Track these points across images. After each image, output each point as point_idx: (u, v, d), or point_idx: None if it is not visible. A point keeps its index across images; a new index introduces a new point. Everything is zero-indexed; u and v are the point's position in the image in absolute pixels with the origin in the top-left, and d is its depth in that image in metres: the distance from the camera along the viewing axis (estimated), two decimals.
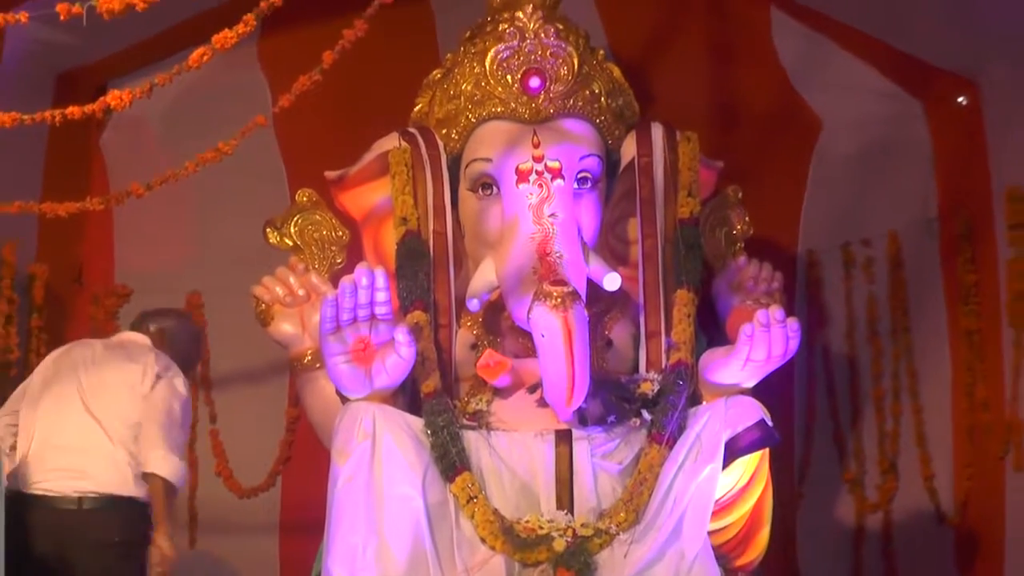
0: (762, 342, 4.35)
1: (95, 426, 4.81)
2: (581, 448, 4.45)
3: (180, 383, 5.08)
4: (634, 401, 4.62)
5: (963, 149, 6.16)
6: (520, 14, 4.93)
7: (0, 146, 5.17)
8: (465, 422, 4.55)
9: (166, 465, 4.84)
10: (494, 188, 4.78)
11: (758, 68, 6.22)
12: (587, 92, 4.95)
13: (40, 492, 4.73)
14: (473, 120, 4.89)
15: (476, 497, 4.26)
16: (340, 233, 5.02)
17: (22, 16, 4.14)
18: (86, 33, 4.31)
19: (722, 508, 4.34)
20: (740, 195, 5.25)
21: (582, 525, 4.25)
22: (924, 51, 6.20)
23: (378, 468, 4.24)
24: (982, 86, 6.07)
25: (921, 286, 6.28)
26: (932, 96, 6.32)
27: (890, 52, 6.24)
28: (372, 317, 4.32)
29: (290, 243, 4.98)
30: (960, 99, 6.17)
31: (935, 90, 6.29)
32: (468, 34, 5.10)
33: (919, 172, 6.36)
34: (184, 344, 5.36)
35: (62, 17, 3.98)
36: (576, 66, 4.92)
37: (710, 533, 4.32)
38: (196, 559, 5.54)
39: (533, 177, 4.66)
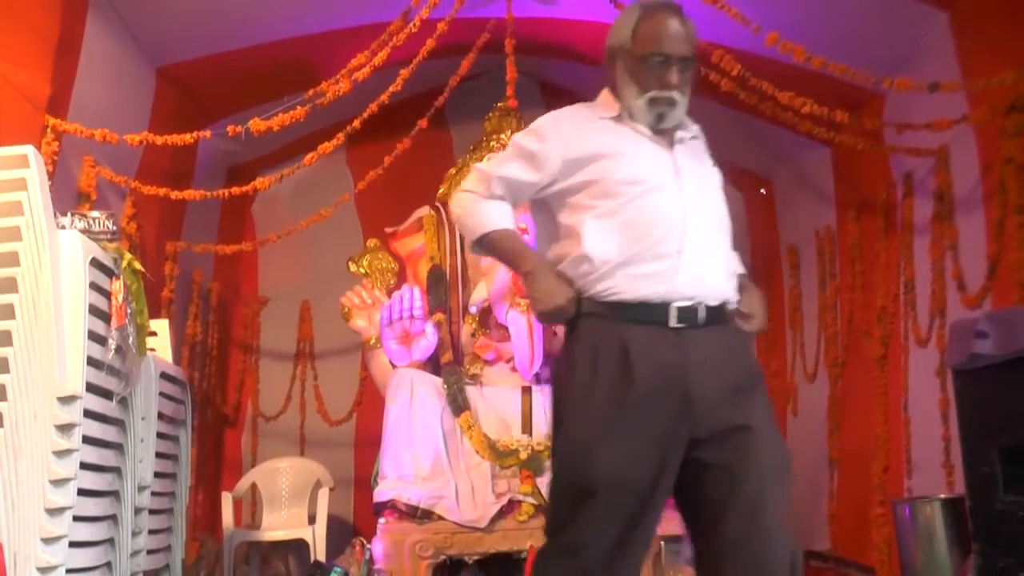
0: None
1: None
2: (537, 397, 4.44)
3: None
4: None
5: (764, 220, 6.17)
6: (503, 136, 4.93)
7: (192, 211, 5.14)
8: (467, 380, 4.52)
9: None
10: None
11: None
12: None
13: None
14: None
15: (473, 426, 4.24)
16: (393, 265, 5.00)
17: (207, 133, 4.14)
18: (244, 144, 4.29)
19: None
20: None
21: (537, 443, 4.23)
22: (740, 161, 6.22)
23: (414, 408, 4.24)
24: (774, 183, 6.09)
25: None
26: (746, 188, 6.32)
27: (721, 162, 6.25)
28: (411, 316, 4.32)
29: (363, 271, 4.95)
30: (762, 190, 6.18)
31: (747, 185, 6.30)
32: (471, 147, 5.09)
33: (739, 233, 6.32)
34: None
35: (230, 134, 3.99)
36: None
37: None
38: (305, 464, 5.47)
39: None
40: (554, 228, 2.23)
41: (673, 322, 2.07)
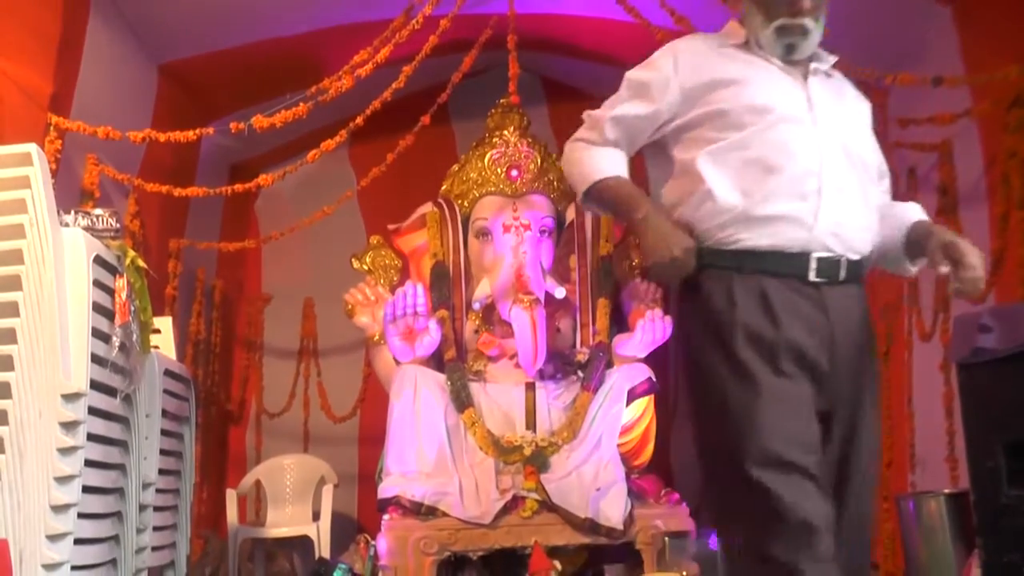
0: (649, 330, 4.38)
1: None
2: (541, 393, 4.44)
3: None
4: (573, 365, 4.62)
5: None
6: (506, 132, 4.95)
7: (195, 209, 5.15)
8: (470, 377, 4.51)
9: None
10: (489, 236, 4.75)
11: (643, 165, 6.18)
12: (546, 178, 4.94)
13: None
14: (477, 195, 4.88)
15: (476, 422, 4.24)
16: (397, 262, 4.97)
17: (210, 130, 4.14)
18: (247, 141, 4.29)
19: (625, 430, 4.33)
20: (637, 241, 5.17)
21: (541, 439, 4.23)
22: None
23: (418, 404, 4.24)
24: None
25: None
26: None
27: None
28: (415, 313, 4.33)
29: (366, 268, 4.92)
30: None
31: None
32: (474, 144, 5.09)
33: None
34: None
35: (233, 131, 4.00)
36: (539, 163, 4.92)
37: (618, 445, 4.31)
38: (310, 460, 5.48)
39: (513, 230, 4.67)
40: (670, 170, 1.96)
41: (812, 275, 1.81)
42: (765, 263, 1.81)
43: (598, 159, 1.98)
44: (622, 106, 1.98)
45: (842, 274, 1.84)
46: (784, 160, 1.83)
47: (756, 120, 1.85)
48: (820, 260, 1.82)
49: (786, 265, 1.81)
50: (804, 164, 1.83)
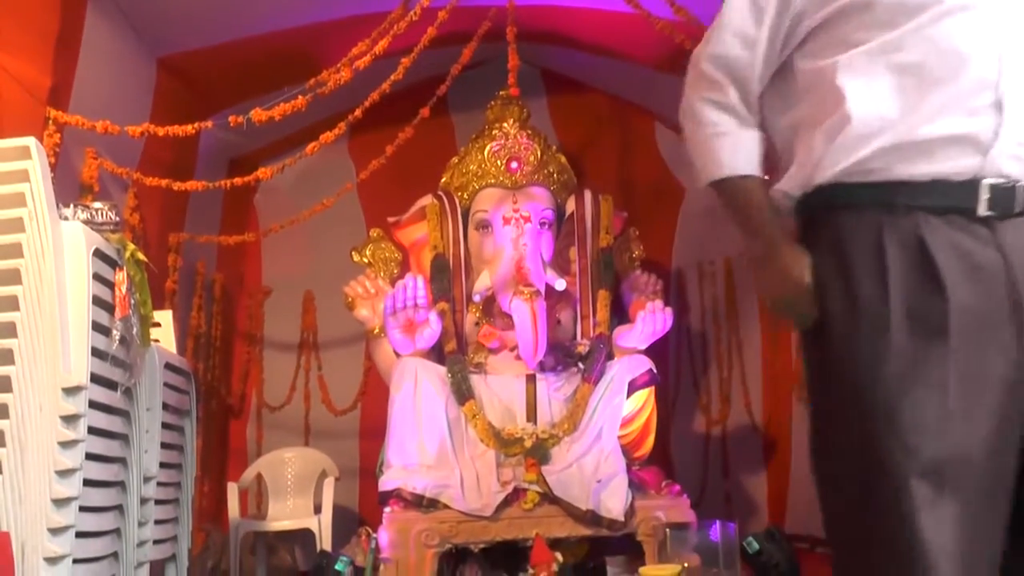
0: (650, 321, 4.40)
1: None
2: (541, 385, 4.46)
3: None
4: (573, 357, 4.64)
5: None
6: (505, 124, 4.96)
7: (195, 202, 5.14)
8: (471, 369, 4.53)
9: None
10: (489, 228, 4.77)
11: (647, 157, 6.18)
12: (545, 171, 4.96)
13: None
14: (477, 187, 4.89)
15: (477, 415, 4.26)
16: (397, 255, 4.99)
17: (209, 124, 4.13)
18: (246, 134, 4.28)
19: (625, 422, 4.35)
20: (637, 233, 5.22)
21: (542, 431, 4.25)
22: None
23: (418, 397, 4.25)
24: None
25: (742, 290, 6.24)
26: None
27: None
28: (415, 305, 4.33)
29: (366, 261, 4.95)
30: (765, 177, 6.14)
31: None
32: (474, 136, 5.10)
33: None
34: None
35: (232, 125, 3.99)
36: (539, 155, 4.93)
37: (619, 437, 4.32)
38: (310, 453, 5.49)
39: (513, 222, 4.69)
40: (793, 88, 1.59)
41: (983, 209, 1.41)
42: (922, 196, 1.42)
43: (727, 147, 1.60)
44: (737, 27, 1.57)
45: (1017, 205, 1.42)
46: (954, 67, 1.43)
47: (913, 15, 1.44)
48: (993, 189, 1.41)
49: (949, 197, 1.42)
50: (978, 71, 1.42)
